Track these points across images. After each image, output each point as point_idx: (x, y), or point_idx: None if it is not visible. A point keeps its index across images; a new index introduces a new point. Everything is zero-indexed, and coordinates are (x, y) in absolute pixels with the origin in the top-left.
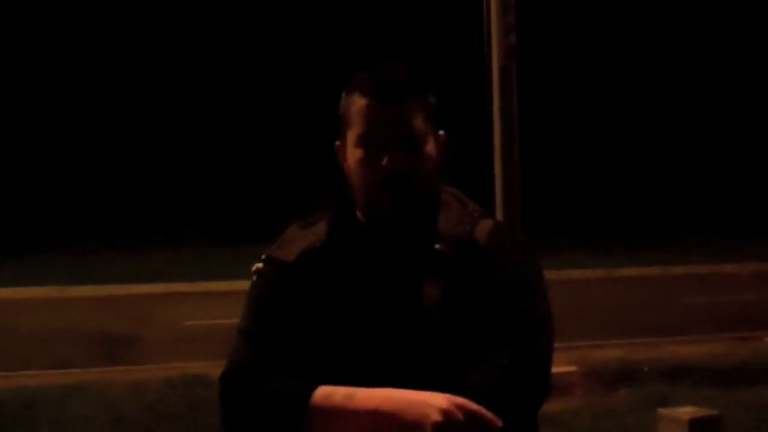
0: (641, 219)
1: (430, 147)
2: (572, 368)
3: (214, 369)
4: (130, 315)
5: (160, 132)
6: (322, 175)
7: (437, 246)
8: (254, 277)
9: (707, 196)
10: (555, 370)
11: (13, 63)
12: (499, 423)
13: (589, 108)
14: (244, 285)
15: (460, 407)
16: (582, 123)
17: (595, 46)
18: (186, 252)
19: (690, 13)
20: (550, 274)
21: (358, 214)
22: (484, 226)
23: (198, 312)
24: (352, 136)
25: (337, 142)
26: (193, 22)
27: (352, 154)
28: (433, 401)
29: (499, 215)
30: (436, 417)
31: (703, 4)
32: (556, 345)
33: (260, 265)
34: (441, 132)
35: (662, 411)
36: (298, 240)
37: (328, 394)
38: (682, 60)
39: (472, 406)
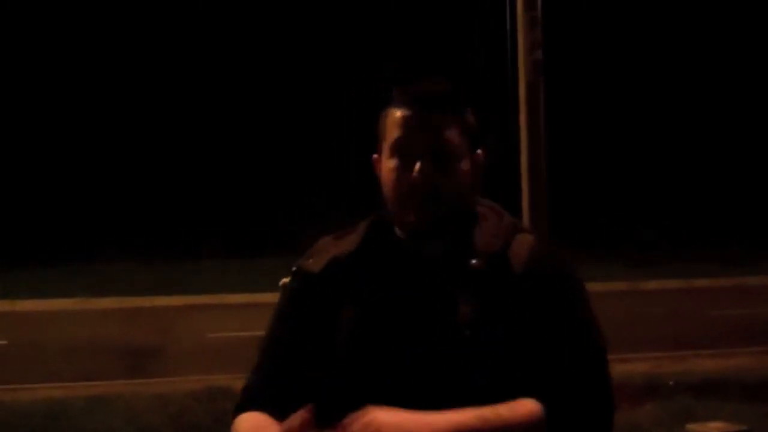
0: (664, 232)
1: (465, 163)
2: None
3: (237, 381)
4: (153, 327)
5: (184, 145)
6: (344, 189)
7: (473, 262)
8: (281, 291)
9: (731, 208)
10: None
11: (32, 73)
12: None
13: (613, 121)
14: (266, 298)
15: None
16: (604, 136)
17: (622, 57)
18: (209, 264)
19: (723, 27)
20: None
21: (396, 228)
22: (521, 242)
23: (220, 324)
24: (386, 146)
25: (375, 156)
26: (229, 31)
27: (386, 165)
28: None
29: None
30: None
31: (735, 22)
32: None
33: (287, 279)
34: (479, 151)
35: (691, 426)
36: (327, 250)
37: None
38: (706, 73)
39: None
